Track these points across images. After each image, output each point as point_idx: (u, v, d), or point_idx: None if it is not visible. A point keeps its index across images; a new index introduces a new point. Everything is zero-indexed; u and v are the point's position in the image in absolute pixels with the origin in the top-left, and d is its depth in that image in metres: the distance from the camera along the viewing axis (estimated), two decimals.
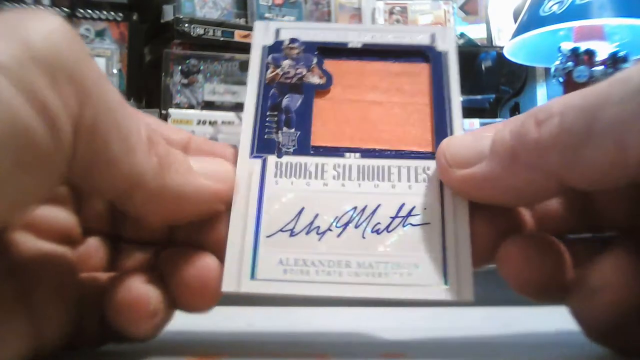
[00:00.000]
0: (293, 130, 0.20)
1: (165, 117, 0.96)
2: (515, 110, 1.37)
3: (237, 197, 0.19)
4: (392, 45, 0.22)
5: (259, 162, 0.20)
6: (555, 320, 0.24)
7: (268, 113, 0.21)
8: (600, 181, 0.16)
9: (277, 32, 0.22)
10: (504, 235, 0.18)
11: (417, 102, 0.21)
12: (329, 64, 0.22)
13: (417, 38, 0.22)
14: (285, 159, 0.20)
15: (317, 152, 0.20)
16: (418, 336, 0.22)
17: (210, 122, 0.97)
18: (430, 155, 0.20)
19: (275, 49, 0.22)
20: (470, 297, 0.18)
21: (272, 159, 0.20)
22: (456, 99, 0.21)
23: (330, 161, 0.20)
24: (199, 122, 0.98)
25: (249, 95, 0.21)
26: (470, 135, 0.19)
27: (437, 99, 0.21)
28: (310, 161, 0.20)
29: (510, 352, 0.20)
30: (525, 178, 0.16)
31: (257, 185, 0.19)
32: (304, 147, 0.20)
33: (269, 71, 0.21)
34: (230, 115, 0.99)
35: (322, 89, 0.21)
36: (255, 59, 0.22)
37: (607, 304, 0.16)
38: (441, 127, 0.20)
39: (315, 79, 0.21)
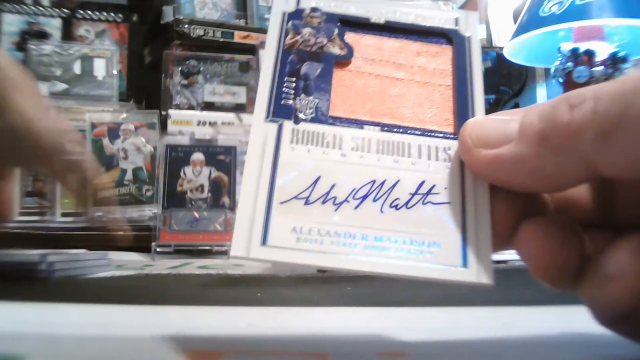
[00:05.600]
0: (311, 97, 0.20)
1: (165, 118, 0.96)
2: None
3: (250, 160, 0.18)
4: (415, 25, 0.22)
5: (274, 126, 0.19)
6: (554, 320, 0.24)
7: (286, 79, 0.20)
8: (632, 170, 0.15)
9: None
10: (523, 219, 0.18)
11: (439, 82, 0.21)
12: (350, 36, 0.21)
13: (441, 21, 0.22)
14: (302, 126, 0.19)
15: (335, 122, 0.20)
16: (418, 336, 0.22)
17: (210, 123, 0.97)
18: (451, 136, 0.20)
19: (296, 16, 0.21)
20: (490, 280, 0.17)
21: (288, 125, 0.19)
22: (479, 83, 0.21)
23: (348, 132, 0.19)
24: (198, 123, 0.98)
25: (267, 59, 0.20)
26: (496, 117, 0.18)
27: (459, 82, 0.21)
28: (328, 130, 0.19)
29: (510, 352, 0.20)
30: (554, 162, 0.16)
31: (272, 149, 0.19)
32: (321, 116, 0.20)
33: (289, 37, 0.21)
34: (230, 116, 0.99)
35: (342, 60, 0.21)
36: (274, 24, 0.21)
37: (621, 291, 0.16)
38: (463, 110, 0.20)
39: (335, 50, 0.21)
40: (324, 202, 0.18)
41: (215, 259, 0.63)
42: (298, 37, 0.21)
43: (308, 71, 0.20)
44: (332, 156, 0.19)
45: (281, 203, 0.18)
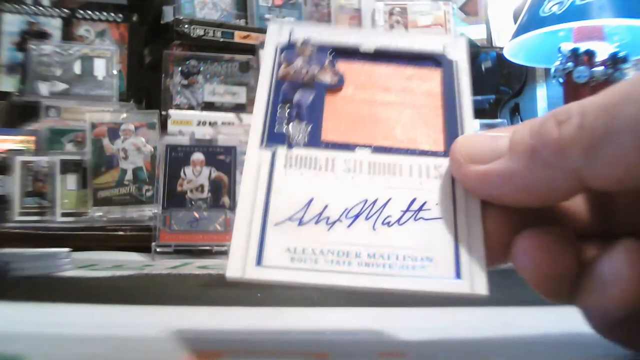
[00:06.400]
0: (304, 124, 0.20)
1: (165, 118, 0.96)
2: (515, 111, 1.37)
3: (245, 185, 0.19)
4: (404, 51, 0.23)
5: (268, 153, 0.20)
6: (554, 320, 0.24)
7: (279, 107, 0.21)
8: (620, 181, 0.15)
9: (291, 32, 0.23)
10: (518, 232, 0.18)
11: (428, 104, 0.21)
12: (341, 65, 0.22)
13: (430, 46, 0.23)
14: (296, 151, 0.20)
15: (327, 146, 0.20)
16: (418, 336, 0.22)
17: (210, 123, 0.97)
18: (442, 154, 0.20)
19: (289, 47, 0.22)
20: (484, 290, 0.17)
21: (282, 151, 0.20)
22: (467, 105, 0.21)
23: (340, 155, 0.20)
24: (198, 123, 0.98)
25: (260, 88, 0.21)
26: (486, 134, 0.19)
27: (448, 103, 0.21)
28: (321, 154, 0.20)
29: (510, 352, 0.20)
30: (544, 176, 0.16)
31: (266, 174, 0.19)
32: (314, 141, 0.20)
33: (282, 67, 0.22)
34: (230, 116, 0.99)
35: (334, 88, 0.22)
36: (268, 56, 0.22)
37: (616, 298, 0.16)
38: (453, 129, 0.20)
39: (327, 78, 0.22)
40: (317, 222, 0.18)
41: (215, 259, 0.63)
42: (290, 68, 0.22)
43: (300, 99, 0.21)
44: (324, 178, 0.19)
45: (275, 225, 0.18)
